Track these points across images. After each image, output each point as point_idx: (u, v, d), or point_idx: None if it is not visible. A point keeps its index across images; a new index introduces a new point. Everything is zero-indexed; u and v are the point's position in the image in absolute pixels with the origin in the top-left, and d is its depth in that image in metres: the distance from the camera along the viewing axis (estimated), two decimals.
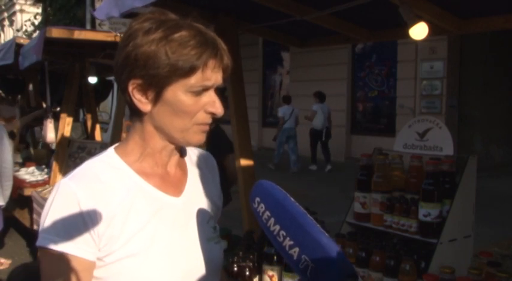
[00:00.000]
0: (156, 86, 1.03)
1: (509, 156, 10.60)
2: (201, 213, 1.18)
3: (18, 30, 22.74)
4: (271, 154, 11.26)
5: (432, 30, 2.38)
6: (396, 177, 2.34)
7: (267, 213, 0.95)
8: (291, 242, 0.89)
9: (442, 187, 2.15)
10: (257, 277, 2.23)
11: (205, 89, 1.05)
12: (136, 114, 1.09)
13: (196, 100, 1.05)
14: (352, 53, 11.87)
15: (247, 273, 2.15)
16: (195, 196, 1.19)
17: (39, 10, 20.36)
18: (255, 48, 14.29)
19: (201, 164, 1.25)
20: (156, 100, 1.05)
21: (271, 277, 2.21)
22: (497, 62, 10.14)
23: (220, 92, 1.13)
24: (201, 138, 1.10)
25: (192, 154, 1.25)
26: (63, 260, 1.00)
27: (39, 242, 1.01)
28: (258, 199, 0.98)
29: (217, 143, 2.91)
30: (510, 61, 10.18)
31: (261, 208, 0.97)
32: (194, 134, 1.08)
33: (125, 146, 1.12)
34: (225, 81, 1.10)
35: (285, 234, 0.91)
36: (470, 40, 9.59)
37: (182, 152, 1.21)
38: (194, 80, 1.03)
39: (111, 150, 1.12)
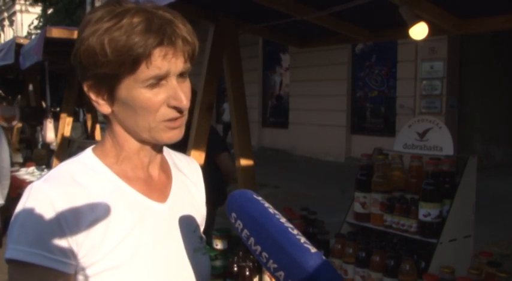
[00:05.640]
0: (106, 85, 0.91)
1: (509, 156, 10.58)
2: (187, 221, 1.06)
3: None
4: (272, 153, 11.28)
5: (432, 30, 2.38)
6: (396, 177, 2.34)
7: (246, 231, 0.86)
8: (275, 265, 0.83)
9: (442, 187, 2.15)
10: (257, 277, 2.23)
11: (161, 79, 0.91)
12: (105, 115, 0.99)
13: (153, 94, 0.91)
14: (352, 53, 11.85)
15: (247, 273, 2.14)
16: (181, 203, 1.07)
17: (39, 10, 20.35)
18: (255, 48, 14.26)
19: (184, 169, 1.14)
20: (111, 100, 0.94)
21: (271, 277, 2.20)
22: (497, 62, 10.13)
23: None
24: (172, 135, 0.96)
25: (176, 158, 1.14)
26: (37, 275, 0.86)
27: (7, 255, 0.87)
28: (234, 214, 0.88)
29: (208, 141, 2.88)
30: (510, 61, 10.17)
31: (239, 224, 0.87)
32: (162, 132, 0.95)
33: (103, 146, 1.01)
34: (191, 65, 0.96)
35: (267, 256, 0.84)
36: (470, 40, 9.57)
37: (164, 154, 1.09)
38: (141, 72, 0.89)
39: (88, 151, 1.01)
